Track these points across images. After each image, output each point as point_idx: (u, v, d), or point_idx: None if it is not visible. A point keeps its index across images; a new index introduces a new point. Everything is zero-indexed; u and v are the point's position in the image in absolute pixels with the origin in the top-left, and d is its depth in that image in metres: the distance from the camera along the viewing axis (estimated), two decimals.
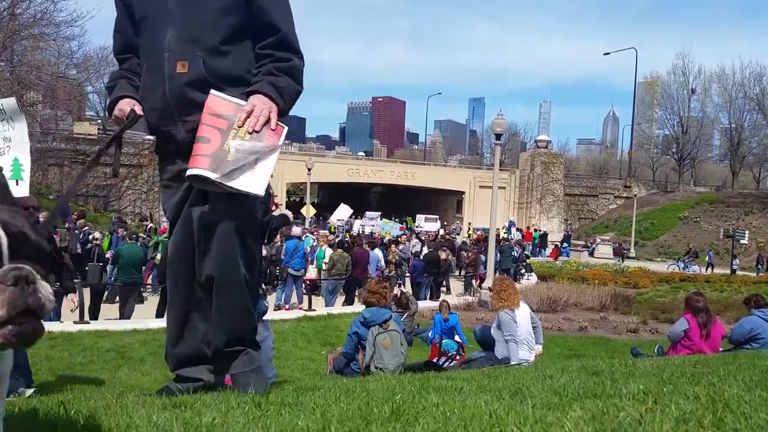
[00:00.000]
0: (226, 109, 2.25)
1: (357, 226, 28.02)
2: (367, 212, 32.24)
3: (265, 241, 5.47)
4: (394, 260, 17.68)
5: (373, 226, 24.27)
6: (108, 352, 7.84)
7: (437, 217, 37.27)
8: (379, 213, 29.96)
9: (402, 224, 29.60)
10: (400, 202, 49.22)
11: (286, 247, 13.94)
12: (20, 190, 4.77)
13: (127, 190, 34.50)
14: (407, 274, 17.10)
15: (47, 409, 1.95)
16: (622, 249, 35.66)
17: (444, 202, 46.87)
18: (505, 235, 26.33)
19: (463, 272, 19.95)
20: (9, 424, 1.52)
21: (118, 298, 12.15)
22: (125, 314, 11.21)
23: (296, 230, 14.81)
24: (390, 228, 20.13)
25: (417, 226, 32.52)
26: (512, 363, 5.84)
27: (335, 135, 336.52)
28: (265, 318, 5.43)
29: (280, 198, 33.27)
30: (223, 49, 2.31)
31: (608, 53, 51.06)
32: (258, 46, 2.37)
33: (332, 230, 25.22)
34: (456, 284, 19.16)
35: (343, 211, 26.80)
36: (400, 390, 1.77)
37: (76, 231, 13.85)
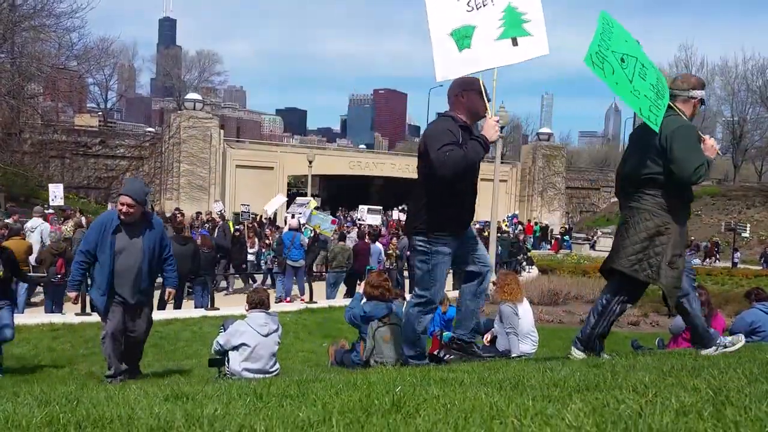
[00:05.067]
0: None
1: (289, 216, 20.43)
2: (297, 198, 26.31)
3: None
4: (395, 254, 17.69)
5: (300, 214, 19.46)
6: None
7: (380, 208, 34.78)
8: (308, 199, 23.62)
9: (335, 217, 23.76)
10: (402, 194, 49.10)
11: (283, 239, 13.98)
12: (521, 51, 3.63)
13: None
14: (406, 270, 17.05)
15: (50, 400, 1.96)
16: (714, 249, 31.49)
17: None
18: (507, 229, 26.34)
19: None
20: (11, 414, 1.53)
21: None
22: None
23: (293, 222, 14.78)
24: (320, 221, 16.36)
25: (359, 219, 29.10)
26: (513, 355, 5.87)
27: (336, 127, 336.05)
28: (272, 311, 5.44)
29: (282, 190, 33.12)
30: None
31: None
32: None
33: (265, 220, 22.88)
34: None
35: (277, 201, 23.01)
36: (401, 382, 1.77)
37: None
